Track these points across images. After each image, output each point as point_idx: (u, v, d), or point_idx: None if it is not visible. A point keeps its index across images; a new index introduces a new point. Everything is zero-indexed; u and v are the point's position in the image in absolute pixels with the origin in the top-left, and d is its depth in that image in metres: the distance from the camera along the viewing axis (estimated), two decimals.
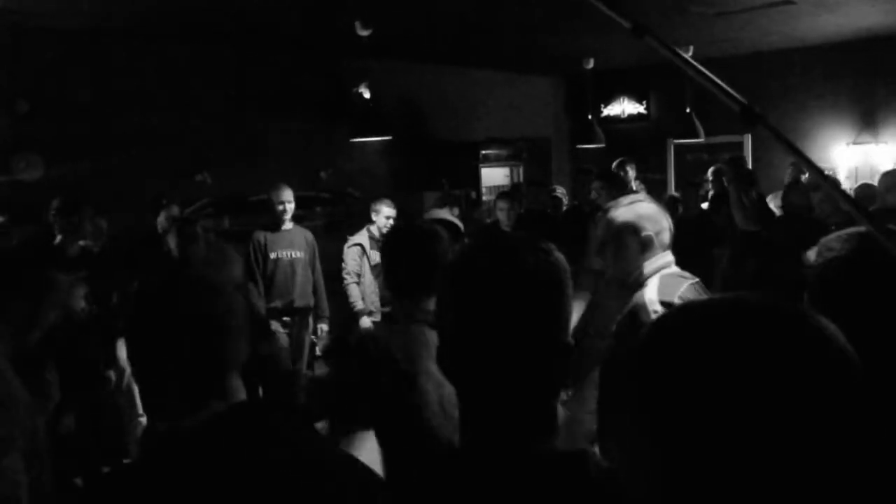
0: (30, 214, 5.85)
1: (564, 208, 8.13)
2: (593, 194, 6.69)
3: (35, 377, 2.50)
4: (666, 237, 2.62)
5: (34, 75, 6.51)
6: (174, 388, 1.49)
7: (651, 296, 2.46)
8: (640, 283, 2.55)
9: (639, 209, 2.66)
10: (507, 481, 1.11)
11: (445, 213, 4.73)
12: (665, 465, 0.72)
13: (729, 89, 1.22)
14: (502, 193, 7.56)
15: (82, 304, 4.24)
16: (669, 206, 6.69)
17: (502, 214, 6.95)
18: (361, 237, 6.41)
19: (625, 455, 0.78)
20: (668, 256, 2.61)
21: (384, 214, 6.33)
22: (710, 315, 0.76)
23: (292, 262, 6.11)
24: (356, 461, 1.54)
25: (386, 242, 2.75)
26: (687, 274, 2.59)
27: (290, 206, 6.12)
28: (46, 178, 6.44)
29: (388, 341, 2.26)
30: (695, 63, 1.27)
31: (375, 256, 6.22)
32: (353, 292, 6.23)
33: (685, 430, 0.70)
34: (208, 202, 7.31)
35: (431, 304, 2.05)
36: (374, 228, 6.37)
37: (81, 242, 5.31)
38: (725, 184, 7.70)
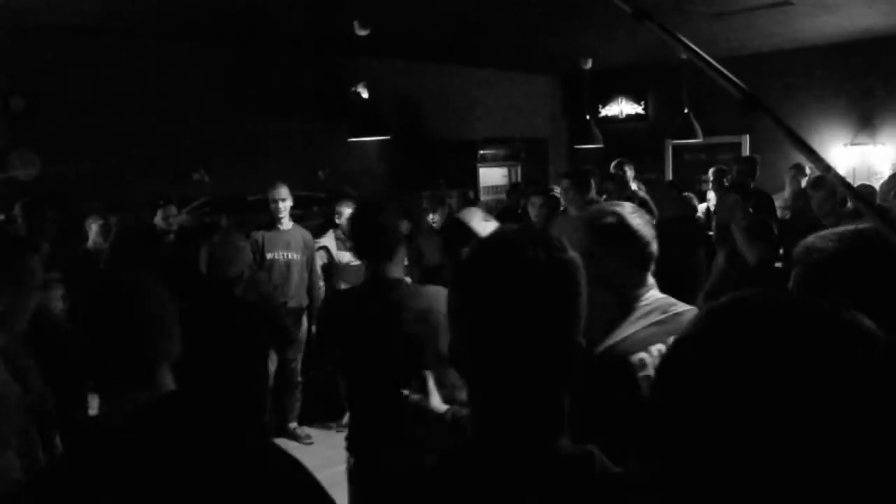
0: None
1: (562, 208, 8.11)
2: (559, 192, 6.61)
3: (23, 371, 2.49)
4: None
5: (31, 73, 6.50)
6: (103, 379, 1.57)
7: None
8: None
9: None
10: (508, 479, 1.10)
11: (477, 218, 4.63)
12: (717, 460, 0.72)
13: (730, 75, 1.21)
14: (537, 190, 7.37)
15: (60, 305, 4.17)
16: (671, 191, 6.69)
17: (533, 210, 6.85)
18: (328, 240, 6.39)
19: (668, 452, 0.78)
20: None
21: (346, 217, 6.15)
22: (758, 314, 0.76)
23: (288, 264, 6.06)
24: (279, 453, 1.56)
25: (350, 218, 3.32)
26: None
27: (285, 205, 6.06)
28: (43, 176, 6.43)
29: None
30: (695, 48, 1.26)
31: (344, 257, 6.17)
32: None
33: (733, 425, 0.71)
34: (206, 201, 7.29)
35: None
36: (339, 231, 6.32)
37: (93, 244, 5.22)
38: (726, 184, 7.73)
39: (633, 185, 7.74)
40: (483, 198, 9.75)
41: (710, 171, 8.35)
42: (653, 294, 2.10)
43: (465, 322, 1.19)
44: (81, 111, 6.70)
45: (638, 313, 2.04)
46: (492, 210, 8.66)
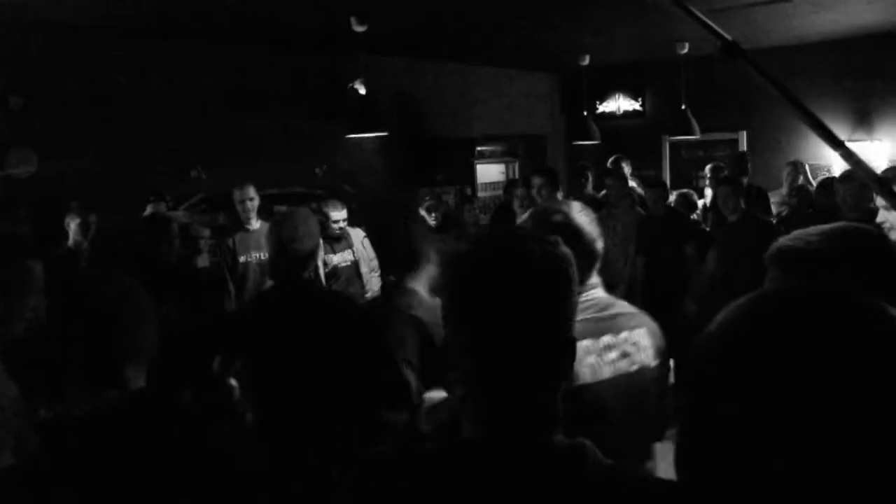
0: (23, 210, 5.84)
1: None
2: (534, 192, 6.59)
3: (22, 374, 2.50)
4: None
5: (29, 71, 6.49)
6: (72, 377, 1.58)
7: None
8: None
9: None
10: (503, 473, 1.11)
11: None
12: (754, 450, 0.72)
13: (713, 25, 1.21)
14: (535, 169, 7.22)
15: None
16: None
17: (518, 202, 6.85)
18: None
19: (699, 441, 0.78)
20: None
21: (332, 220, 5.95)
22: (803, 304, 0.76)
23: (261, 264, 5.73)
24: (244, 451, 1.57)
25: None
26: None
27: (253, 204, 5.83)
28: (40, 173, 6.42)
29: None
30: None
31: (331, 259, 5.97)
32: None
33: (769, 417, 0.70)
34: (203, 198, 7.28)
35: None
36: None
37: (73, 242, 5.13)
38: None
39: (632, 182, 7.75)
40: (480, 194, 9.76)
41: (707, 167, 8.36)
42: (595, 293, 2.13)
43: (461, 317, 1.19)
44: (80, 109, 6.69)
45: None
46: (488, 207, 8.68)
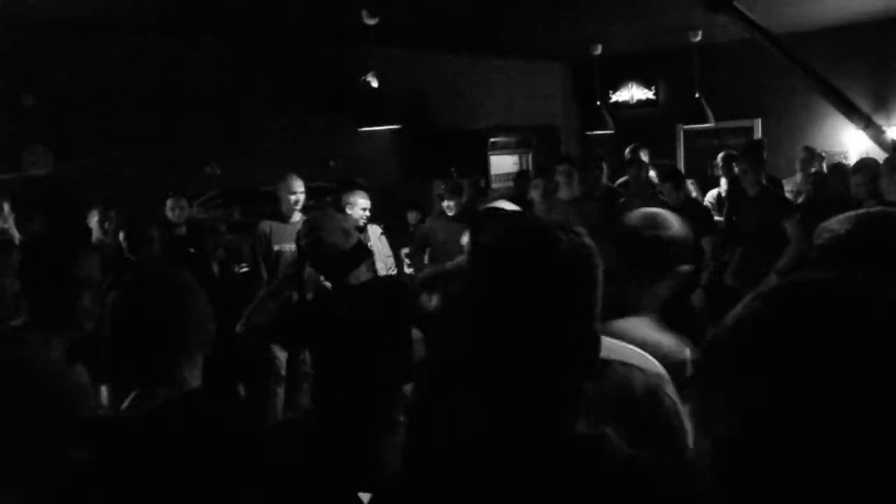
0: (39, 209, 5.87)
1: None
2: (560, 178, 6.69)
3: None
4: None
5: (42, 69, 6.52)
6: (127, 376, 1.57)
7: None
8: None
9: None
10: (519, 463, 1.11)
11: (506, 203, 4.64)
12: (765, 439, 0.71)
13: None
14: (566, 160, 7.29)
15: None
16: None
17: (538, 192, 6.84)
18: None
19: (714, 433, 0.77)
20: None
21: (360, 206, 5.96)
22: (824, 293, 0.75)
23: (294, 255, 5.91)
24: (296, 455, 1.57)
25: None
26: None
27: (302, 197, 5.97)
28: (55, 172, 6.47)
29: None
30: None
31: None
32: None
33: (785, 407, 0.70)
34: (217, 193, 7.32)
35: None
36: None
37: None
38: (736, 171, 7.67)
39: (651, 172, 7.70)
40: (495, 185, 9.75)
41: (720, 156, 8.31)
42: None
43: (486, 303, 1.18)
44: (93, 107, 6.73)
45: None
46: (502, 198, 8.65)
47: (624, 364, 1.71)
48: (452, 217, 6.42)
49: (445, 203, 6.53)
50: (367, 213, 6.01)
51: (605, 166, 7.69)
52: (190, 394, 1.58)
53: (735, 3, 1.25)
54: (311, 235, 3.43)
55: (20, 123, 6.40)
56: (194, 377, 1.61)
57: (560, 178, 6.70)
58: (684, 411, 1.71)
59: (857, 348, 0.68)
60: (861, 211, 1.62)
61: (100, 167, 6.55)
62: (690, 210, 6.62)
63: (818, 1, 7.65)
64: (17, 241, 4.76)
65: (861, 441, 0.66)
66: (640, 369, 1.73)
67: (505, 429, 1.15)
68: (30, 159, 6.44)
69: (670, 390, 1.75)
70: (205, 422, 1.51)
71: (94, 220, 5.85)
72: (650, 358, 1.80)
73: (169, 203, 6.11)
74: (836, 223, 1.60)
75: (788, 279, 0.78)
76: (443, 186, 6.65)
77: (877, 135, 4.74)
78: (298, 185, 5.91)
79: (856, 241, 1.54)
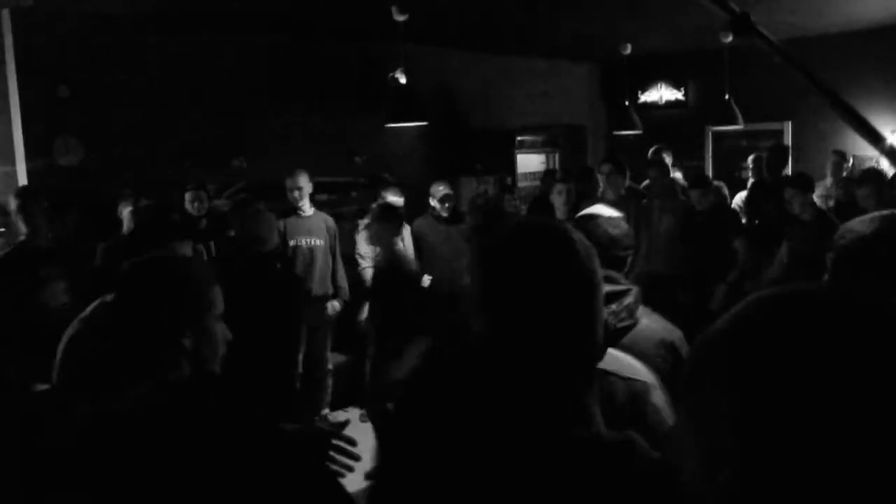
0: (70, 199, 5.94)
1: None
2: (602, 178, 6.76)
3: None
4: None
5: (76, 61, 6.59)
6: (117, 363, 1.58)
7: None
8: None
9: None
10: (550, 463, 1.11)
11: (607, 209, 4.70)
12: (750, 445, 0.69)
13: (723, 2, 1.19)
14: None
15: (64, 298, 3.90)
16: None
17: (561, 199, 6.83)
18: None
19: (702, 436, 0.76)
20: None
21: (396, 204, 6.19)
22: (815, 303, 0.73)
23: (312, 250, 6.04)
24: (293, 442, 1.56)
25: None
26: None
27: (303, 192, 6.05)
28: (86, 162, 6.54)
29: None
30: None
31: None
32: (368, 276, 5.97)
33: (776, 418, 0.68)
34: (244, 186, 7.36)
35: None
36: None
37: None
38: (765, 172, 7.61)
39: (675, 173, 7.68)
40: (521, 184, 9.74)
41: (750, 158, 8.23)
42: None
43: (500, 303, 1.18)
44: (124, 99, 6.79)
45: None
46: (529, 197, 8.65)
47: (605, 372, 1.64)
48: (446, 218, 6.41)
49: (440, 204, 6.49)
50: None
51: (627, 171, 7.67)
52: (179, 383, 1.58)
53: (758, 27, 1.24)
54: None
55: (53, 114, 6.48)
56: (181, 365, 1.60)
57: (602, 178, 6.74)
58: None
59: (842, 361, 0.66)
60: (885, 212, 1.61)
61: (130, 158, 6.61)
62: (719, 214, 6.58)
63: (848, 4, 7.55)
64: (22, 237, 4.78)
65: (847, 447, 0.65)
66: (621, 377, 1.69)
67: (522, 429, 1.15)
68: (61, 150, 6.52)
69: (656, 397, 1.72)
70: (197, 412, 1.50)
71: (125, 210, 5.91)
72: (636, 365, 1.78)
73: (188, 196, 6.19)
74: (860, 223, 1.59)
75: (776, 289, 0.77)
76: (440, 188, 6.60)
77: None
78: (297, 181, 6.01)
79: (880, 242, 1.53)
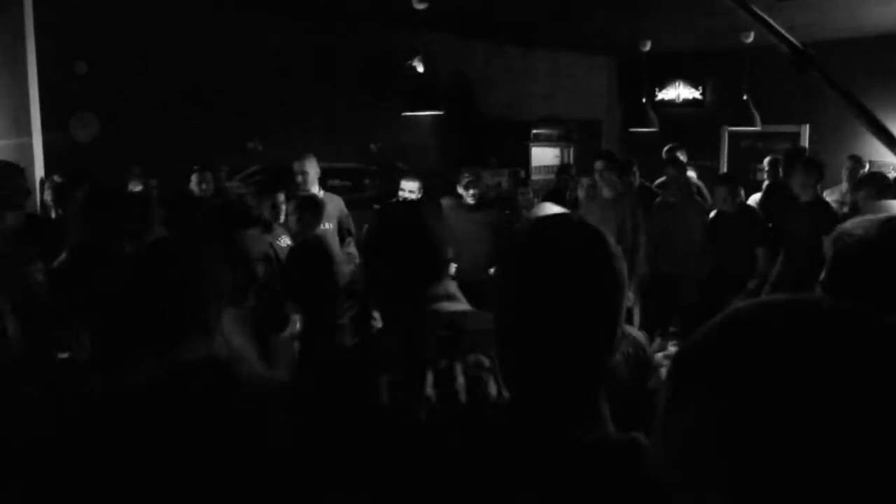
0: (85, 174, 5.96)
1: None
2: (596, 176, 6.67)
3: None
4: None
5: (94, 38, 6.61)
6: (132, 344, 1.58)
7: None
8: None
9: None
10: (554, 465, 1.11)
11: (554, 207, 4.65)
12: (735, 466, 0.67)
13: (784, 32, 1.18)
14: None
15: (39, 277, 3.72)
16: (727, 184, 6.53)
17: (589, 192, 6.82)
18: None
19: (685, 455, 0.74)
20: None
21: (407, 189, 6.28)
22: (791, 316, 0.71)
23: (324, 233, 6.03)
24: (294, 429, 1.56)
25: None
26: None
27: (308, 177, 6.02)
28: (101, 138, 6.57)
29: None
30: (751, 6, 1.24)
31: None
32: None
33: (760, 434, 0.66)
34: (258, 169, 7.38)
35: None
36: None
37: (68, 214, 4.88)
38: (781, 175, 7.56)
39: (689, 172, 7.63)
40: (534, 177, 9.72)
41: (765, 160, 8.19)
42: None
43: (515, 305, 1.18)
44: (142, 76, 6.82)
45: None
46: (542, 190, 8.64)
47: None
48: (471, 206, 6.41)
49: (465, 191, 6.50)
50: (409, 197, 6.14)
51: (636, 170, 7.63)
52: (200, 363, 1.59)
53: (820, 66, 1.25)
54: None
55: (70, 89, 6.51)
56: (203, 348, 1.61)
57: (596, 176, 6.67)
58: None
59: (828, 373, 0.65)
60: (884, 216, 1.59)
61: (144, 135, 6.64)
62: (747, 218, 6.47)
63: (870, 8, 7.49)
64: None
65: (835, 462, 0.63)
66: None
67: (533, 430, 1.15)
68: (77, 125, 6.55)
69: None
70: (216, 392, 1.52)
71: (134, 189, 5.94)
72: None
73: (194, 178, 6.19)
74: (860, 227, 1.57)
75: (759, 300, 0.75)
76: (465, 176, 6.59)
77: None
78: (302, 165, 6.00)
79: (881, 246, 1.51)
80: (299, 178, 6.04)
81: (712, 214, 6.59)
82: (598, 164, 6.63)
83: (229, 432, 1.42)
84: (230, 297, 2.50)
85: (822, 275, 1.61)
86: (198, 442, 1.38)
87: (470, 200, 6.41)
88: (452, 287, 1.82)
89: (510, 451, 1.14)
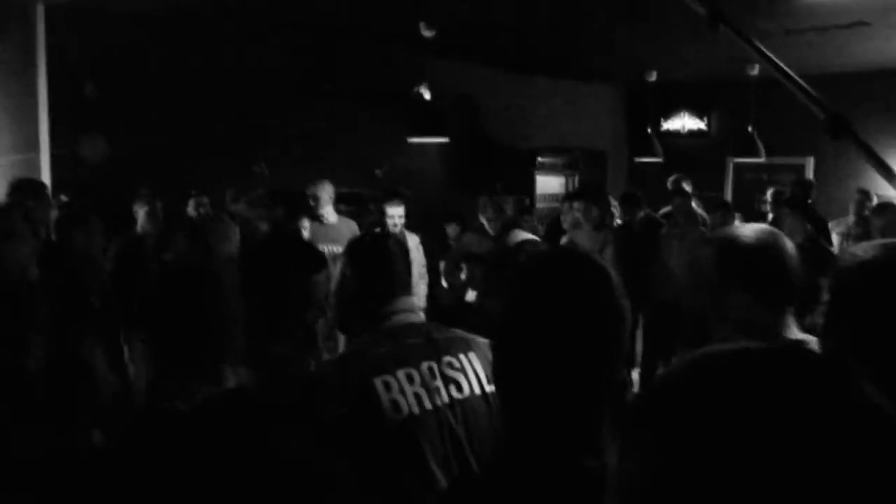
0: (91, 195, 5.98)
1: (617, 222, 8.01)
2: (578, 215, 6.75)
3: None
4: None
5: (104, 60, 6.66)
6: (177, 373, 1.59)
7: None
8: None
9: None
10: (562, 492, 1.10)
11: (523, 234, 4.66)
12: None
13: (815, 94, 1.18)
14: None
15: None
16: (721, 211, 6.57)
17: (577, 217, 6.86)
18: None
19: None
20: None
21: (387, 214, 6.26)
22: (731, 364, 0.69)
23: (334, 258, 6.03)
24: (326, 460, 1.57)
25: None
26: None
27: (322, 202, 6.10)
28: (110, 159, 6.60)
29: None
30: (778, 61, 1.24)
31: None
32: None
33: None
34: (264, 193, 7.39)
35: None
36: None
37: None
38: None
39: (694, 204, 7.64)
40: (539, 205, 9.73)
41: (769, 191, 8.20)
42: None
43: (520, 333, 1.18)
44: (149, 99, 6.86)
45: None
46: (545, 219, 8.64)
47: None
48: (491, 236, 6.44)
49: (486, 220, 6.54)
50: (395, 221, 6.13)
51: (642, 203, 7.66)
52: (235, 391, 1.59)
53: (852, 128, 1.26)
54: None
55: (79, 110, 6.55)
56: (230, 377, 1.61)
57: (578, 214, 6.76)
58: None
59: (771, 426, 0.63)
60: (889, 240, 1.58)
61: (152, 159, 6.66)
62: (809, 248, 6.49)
63: (882, 42, 7.52)
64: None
65: None
66: None
67: (535, 457, 1.14)
68: (85, 146, 6.58)
69: None
70: (250, 419, 1.52)
71: (141, 211, 5.94)
72: None
73: (192, 203, 6.22)
74: (861, 250, 1.56)
75: (709, 349, 0.72)
76: (486, 202, 6.64)
77: None
78: (315, 190, 6.10)
79: (880, 270, 1.50)
80: (312, 202, 6.09)
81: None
82: (576, 205, 6.72)
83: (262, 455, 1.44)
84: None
85: (824, 296, 1.60)
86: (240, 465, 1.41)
87: (492, 231, 6.46)
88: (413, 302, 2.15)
89: (519, 480, 1.13)
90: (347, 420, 1.79)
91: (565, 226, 7.01)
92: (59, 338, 2.72)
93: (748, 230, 1.91)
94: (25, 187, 4.93)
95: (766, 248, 1.84)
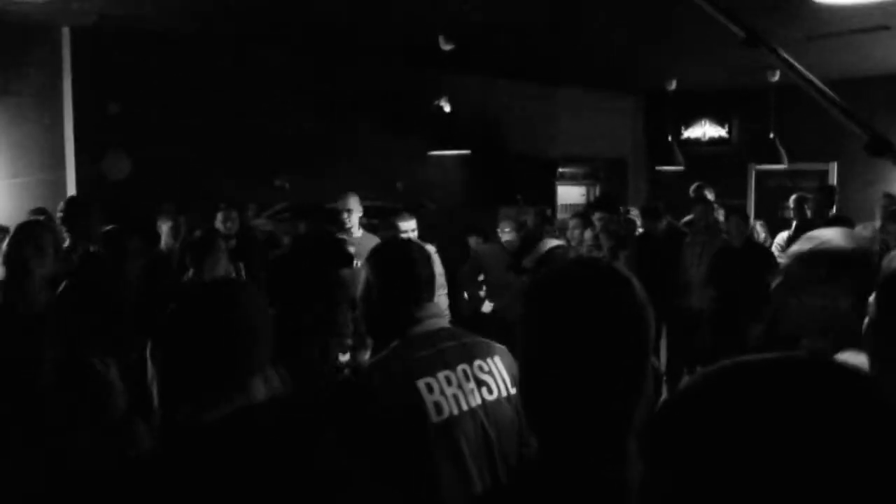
0: (115, 213, 6.05)
1: (638, 231, 7.99)
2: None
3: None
4: None
5: (128, 78, 6.75)
6: (199, 385, 1.57)
7: None
8: None
9: None
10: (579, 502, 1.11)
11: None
12: None
13: (858, 116, 1.17)
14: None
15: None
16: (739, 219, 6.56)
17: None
18: None
19: None
20: None
21: (400, 229, 6.12)
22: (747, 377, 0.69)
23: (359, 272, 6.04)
24: (352, 474, 1.57)
25: None
26: None
27: (353, 215, 6.13)
28: (133, 176, 6.67)
29: None
30: (818, 83, 1.23)
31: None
32: None
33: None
34: (285, 207, 7.44)
35: None
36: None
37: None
38: (808, 213, 7.51)
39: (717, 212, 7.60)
40: (560, 216, 9.72)
41: (791, 198, 8.14)
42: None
43: (538, 343, 1.18)
44: (172, 116, 6.94)
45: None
46: (565, 229, 8.63)
47: None
48: (507, 249, 6.43)
49: (505, 233, 6.53)
50: (412, 236, 6.12)
51: (662, 215, 7.64)
52: (263, 404, 1.60)
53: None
54: None
55: (104, 129, 6.63)
56: (260, 388, 1.62)
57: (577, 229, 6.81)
58: None
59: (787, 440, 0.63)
60: None
61: (174, 173, 6.73)
62: (753, 251, 6.48)
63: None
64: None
65: None
66: None
67: (560, 470, 1.14)
68: (110, 164, 6.66)
69: None
70: (279, 433, 1.53)
71: (164, 227, 6.00)
72: None
73: (220, 216, 6.24)
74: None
75: (724, 363, 0.72)
76: (507, 215, 6.64)
77: None
78: (346, 202, 6.07)
79: None
80: (344, 216, 6.08)
81: (719, 248, 6.59)
82: (597, 215, 6.74)
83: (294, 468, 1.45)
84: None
85: (874, 294, 1.56)
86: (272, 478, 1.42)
87: (509, 247, 6.46)
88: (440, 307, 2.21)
89: (544, 494, 1.13)
90: (391, 420, 1.84)
91: (573, 243, 7.00)
92: (71, 349, 2.75)
93: None
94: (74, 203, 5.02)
95: None
